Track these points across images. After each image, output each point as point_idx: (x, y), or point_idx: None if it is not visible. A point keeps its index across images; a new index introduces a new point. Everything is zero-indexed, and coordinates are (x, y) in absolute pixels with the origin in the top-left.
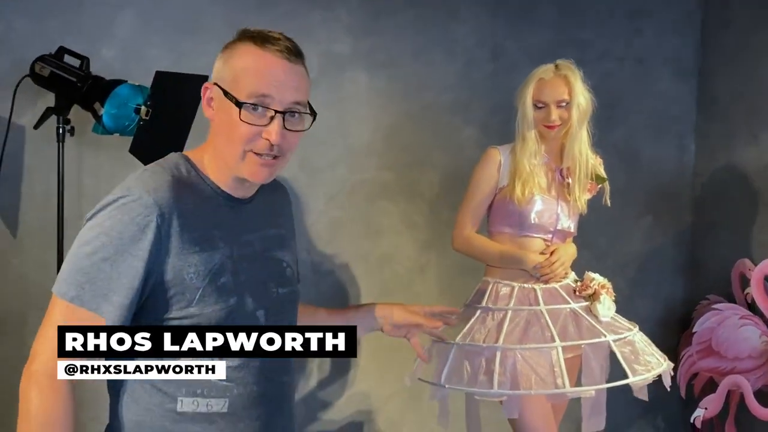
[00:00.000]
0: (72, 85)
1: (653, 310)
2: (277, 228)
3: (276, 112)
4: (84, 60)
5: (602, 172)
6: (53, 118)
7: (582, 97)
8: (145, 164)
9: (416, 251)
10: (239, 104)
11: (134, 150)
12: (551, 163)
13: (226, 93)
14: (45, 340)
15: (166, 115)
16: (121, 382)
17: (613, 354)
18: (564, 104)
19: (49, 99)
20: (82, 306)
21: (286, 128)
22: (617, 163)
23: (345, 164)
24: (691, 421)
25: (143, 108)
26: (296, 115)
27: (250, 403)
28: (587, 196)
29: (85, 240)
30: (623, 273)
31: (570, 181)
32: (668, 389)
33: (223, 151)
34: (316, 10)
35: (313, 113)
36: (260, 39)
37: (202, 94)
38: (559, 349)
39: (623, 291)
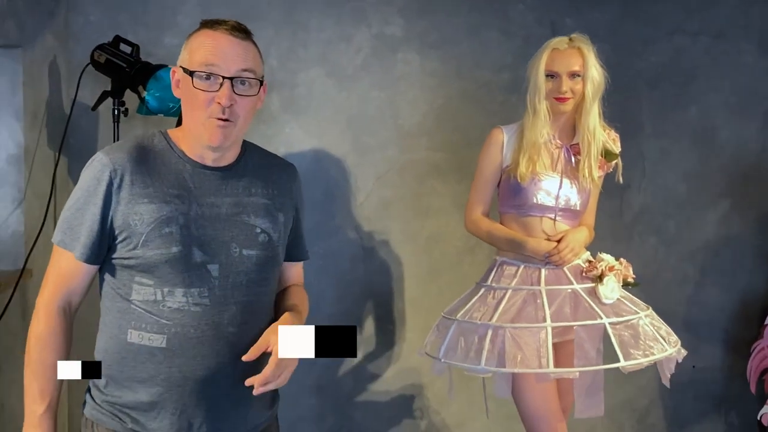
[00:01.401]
0: (122, 70)
1: (728, 299)
2: (259, 197)
3: (224, 78)
4: (134, 47)
5: (614, 148)
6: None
7: (595, 71)
8: None
9: (466, 232)
10: (191, 73)
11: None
12: (558, 140)
13: (184, 69)
14: (46, 279)
15: None
16: (102, 319)
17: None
18: (576, 76)
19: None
20: (65, 248)
21: (235, 93)
22: (689, 144)
23: (395, 144)
24: (758, 418)
25: None
26: (246, 82)
27: (187, 343)
28: (599, 173)
29: (71, 196)
30: (693, 260)
31: (579, 158)
32: (668, 377)
33: (189, 122)
34: None
35: (262, 82)
36: (211, 23)
37: (171, 78)
38: (549, 330)
39: (693, 279)
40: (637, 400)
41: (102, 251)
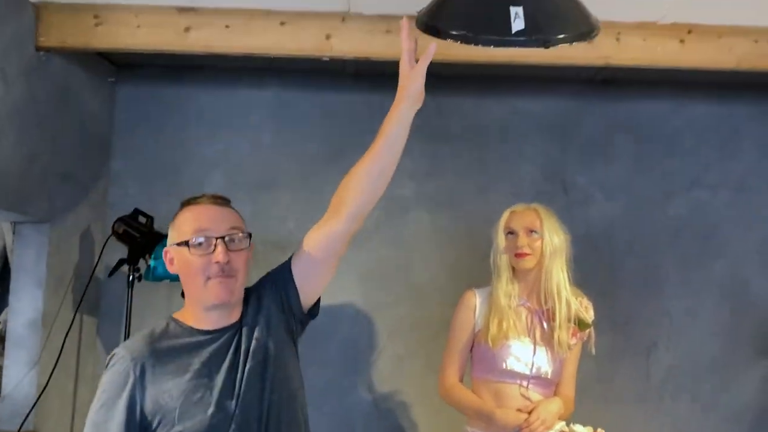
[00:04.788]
0: (136, 240)
1: None
2: (263, 337)
3: (216, 238)
4: (149, 218)
5: (586, 317)
6: None
7: (555, 234)
8: None
9: None
10: (186, 243)
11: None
12: (531, 305)
13: (177, 243)
14: None
15: None
16: None
17: None
18: (534, 233)
19: None
20: None
21: (229, 250)
22: (719, 299)
23: (407, 301)
24: None
25: None
26: (236, 238)
27: None
28: (573, 341)
29: (96, 399)
30: (736, 428)
31: (552, 324)
32: None
33: (191, 290)
34: None
35: (250, 235)
36: (192, 200)
37: (164, 258)
38: None
39: None
40: None
41: None
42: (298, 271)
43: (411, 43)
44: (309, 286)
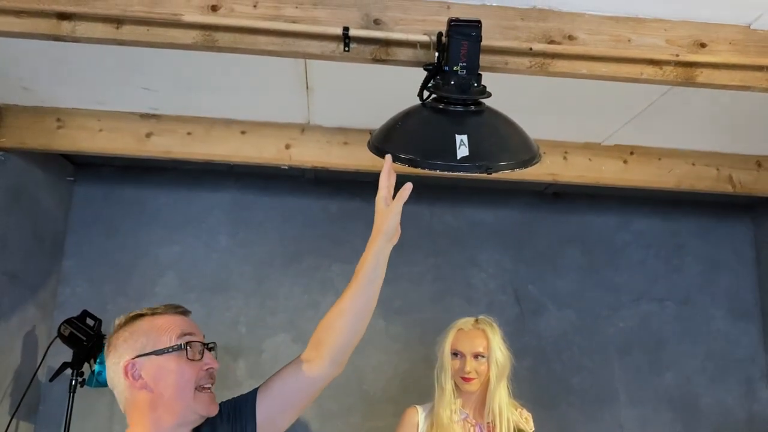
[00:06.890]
0: (82, 343)
1: None
2: None
3: (202, 344)
4: (97, 321)
5: (526, 428)
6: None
7: (500, 353)
8: None
9: None
10: (182, 346)
11: None
12: (472, 419)
13: (161, 351)
14: None
15: None
16: None
17: None
18: (480, 357)
19: None
20: None
21: None
22: (671, 412)
23: (360, 411)
24: None
25: None
26: (212, 348)
27: None
28: None
29: None
30: None
31: None
32: None
33: (172, 404)
34: (335, 264)
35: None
36: (152, 310)
37: (123, 378)
38: None
39: None
40: None
41: None
42: (262, 408)
43: (389, 180)
44: (271, 426)
